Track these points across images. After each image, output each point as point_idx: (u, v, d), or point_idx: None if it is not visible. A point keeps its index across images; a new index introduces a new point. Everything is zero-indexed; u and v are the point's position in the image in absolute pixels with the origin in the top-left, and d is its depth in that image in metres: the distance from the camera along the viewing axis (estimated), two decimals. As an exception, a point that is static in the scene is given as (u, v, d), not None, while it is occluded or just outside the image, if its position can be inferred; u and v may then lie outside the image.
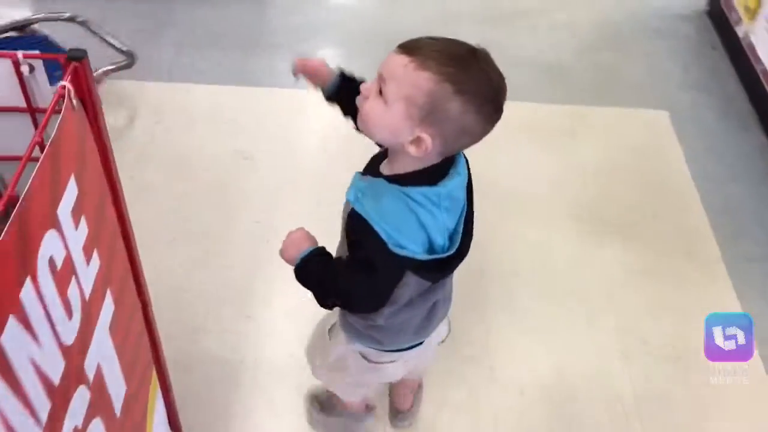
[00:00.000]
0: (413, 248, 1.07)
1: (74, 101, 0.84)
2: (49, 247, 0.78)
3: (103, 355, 0.97)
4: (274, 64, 2.81)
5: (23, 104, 0.92)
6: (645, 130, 2.71)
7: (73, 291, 0.85)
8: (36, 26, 2.46)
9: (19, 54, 0.87)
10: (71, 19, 2.51)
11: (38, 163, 0.74)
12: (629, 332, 2.00)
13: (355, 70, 1.27)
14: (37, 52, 0.87)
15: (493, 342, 1.96)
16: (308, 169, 2.37)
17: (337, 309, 1.37)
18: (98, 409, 0.94)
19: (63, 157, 0.81)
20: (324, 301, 1.20)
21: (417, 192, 1.07)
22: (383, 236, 1.05)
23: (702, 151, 2.59)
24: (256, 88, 2.69)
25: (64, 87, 0.83)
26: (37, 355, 0.76)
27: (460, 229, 1.14)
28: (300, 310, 1.77)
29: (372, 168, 1.17)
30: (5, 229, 0.67)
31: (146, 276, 1.96)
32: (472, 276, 2.11)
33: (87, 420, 0.90)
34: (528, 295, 2.09)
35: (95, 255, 0.93)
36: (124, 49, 2.43)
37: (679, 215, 2.35)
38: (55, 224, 0.80)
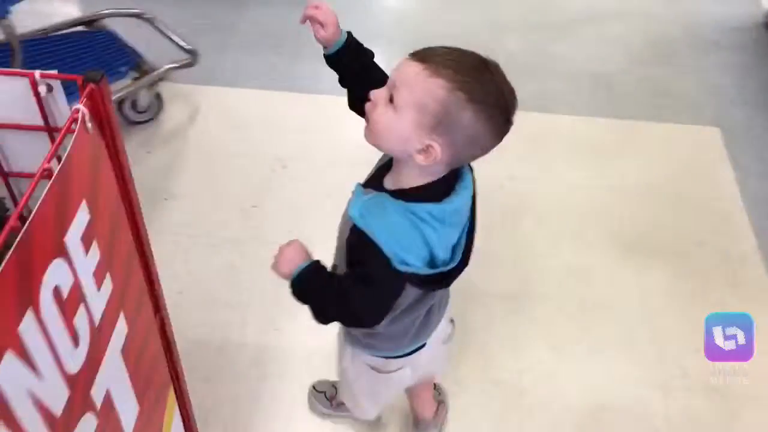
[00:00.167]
0: (417, 265, 1.06)
1: (88, 124, 0.82)
2: (55, 276, 0.76)
3: (113, 379, 0.96)
4: (318, 69, 2.77)
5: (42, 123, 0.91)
6: (694, 148, 2.61)
7: (81, 318, 0.83)
8: (104, 21, 2.55)
9: (37, 74, 0.85)
10: (138, 16, 2.58)
11: (43, 193, 0.72)
12: (669, 363, 1.91)
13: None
14: (55, 71, 0.85)
15: (525, 365, 1.90)
16: (345, 180, 2.33)
17: (339, 333, 1.39)
18: (106, 435, 0.93)
19: (73, 182, 0.79)
20: (321, 317, 1.17)
21: (422, 209, 1.05)
22: (388, 254, 1.03)
23: (754, 172, 2.48)
24: (301, 94, 2.68)
25: (78, 110, 0.81)
26: (36, 387, 0.74)
27: (463, 242, 1.13)
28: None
29: (375, 181, 1.15)
30: (3, 262, 0.65)
31: (177, 283, 2.00)
32: (506, 296, 2.05)
33: (93, 447, 0.89)
34: (563, 319, 2.02)
35: (108, 279, 0.91)
36: (188, 47, 2.48)
37: (726, 240, 2.25)
38: (63, 252, 0.78)
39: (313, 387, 1.75)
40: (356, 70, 1.21)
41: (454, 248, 1.12)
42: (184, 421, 1.40)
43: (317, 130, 2.53)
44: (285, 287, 1.16)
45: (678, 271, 2.14)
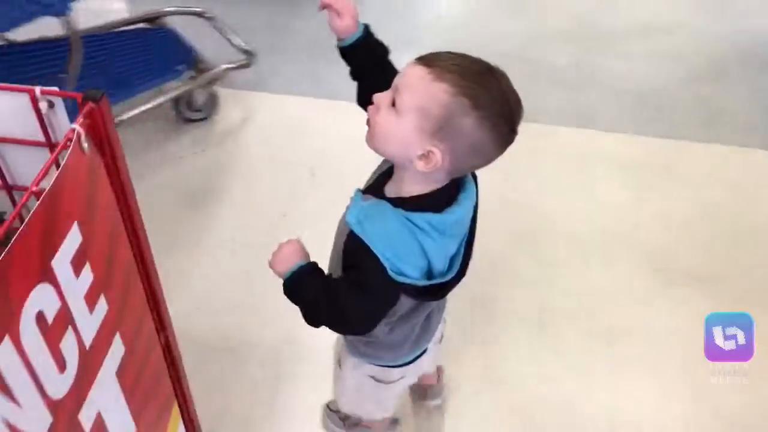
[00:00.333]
0: (413, 275, 1.04)
1: (84, 144, 0.80)
2: (38, 301, 0.74)
3: (105, 401, 0.94)
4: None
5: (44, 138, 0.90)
6: (744, 171, 2.49)
7: (68, 342, 0.82)
8: (166, 19, 2.61)
9: (37, 90, 0.84)
10: (200, 15, 2.62)
11: (26, 219, 0.70)
12: (701, 401, 1.82)
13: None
14: (56, 88, 0.83)
15: (543, 389, 1.84)
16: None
17: (340, 340, 1.37)
18: (94, 459, 0.91)
19: (63, 204, 0.77)
20: (311, 319, 1.14)
21: (422, 219, 1.02)
22: (384, 263, 1.01)
23: (807, 200, 2.36)
24: (338, 101, 2.65)
25: (74, 130, 0.79)
26: (13, 415, 0.72)
27: (461, 253, 1.11)
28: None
29: (375, 187, 1.12)
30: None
31: (200, 286, 1.99)
32: (528, 315, 1.99)
33: (79, 471, 0.87)
34: (585, 341, 1.94)
35: (102, 301, 0.89)
36: (245, 48, 2.49)
37: (770, 271, 2.14)
38: (48, 277, 0.76)
39: (327, 406, 1.72)
40: (370, 66, 1.19)
41: (452, 259, 1.09)
42: (189, 437, 1.38)
43: (349, 139, 2.49)
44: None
45: (717, 300, 2.03)
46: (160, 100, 2.35)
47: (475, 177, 1.14)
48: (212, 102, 2.52)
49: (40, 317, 0.75)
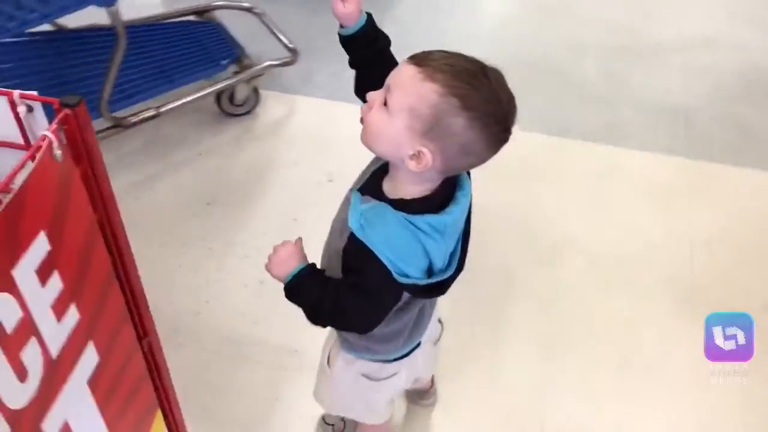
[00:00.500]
0: (416, 276, 1.05)
1: (57, 152, 0.79)
2: (-4, 311, 0.73)
3: (75, 410, 0.93)
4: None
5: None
6: (777, 198, 2.39)
7: (30, 352, 0.80)
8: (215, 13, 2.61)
9: (15, 94, 0.82)
10: (249, 10, 2.64)
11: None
12: (712, 435, 1.75)
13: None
14: (34, 93, 0.82)
15: (549, 416, 1.78)
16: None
17: (330, 341, 1.36)
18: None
19: (27, 213, 0.75)
20: (314, 320, 1.15)
21: (423, 222, 1.03)
22: (388, 266, 1.02)
23: (842, 232, 2.25)
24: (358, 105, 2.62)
25: (45, 137, 0.77)
26: (-37, 427, 0.71)
27: (459, 249, 1.12)
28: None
29: (372, 186, 1.11)
30: None
31: (206, 291, 1.98)
32: (541, 340, 1.93)
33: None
34: (599, 372, 1.87)
35: (73, 309, 0.88)
36: (290, 46, 2.50)
37: (799, 306, 2.04)
38: (8, 286, 0.74)
39: (323, 419, 1.70)
40: (370, 56, 1.18)
41: (450, 255, 1.10)
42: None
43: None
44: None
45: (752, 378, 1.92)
46: (202, 93, 2.37)
47: (469, 173, 1.13)
48: (254, 97, 2.53)
49: (-1, 328, 0.74)
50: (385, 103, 1.02)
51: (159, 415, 1.25)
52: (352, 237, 1.03)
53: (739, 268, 2.13)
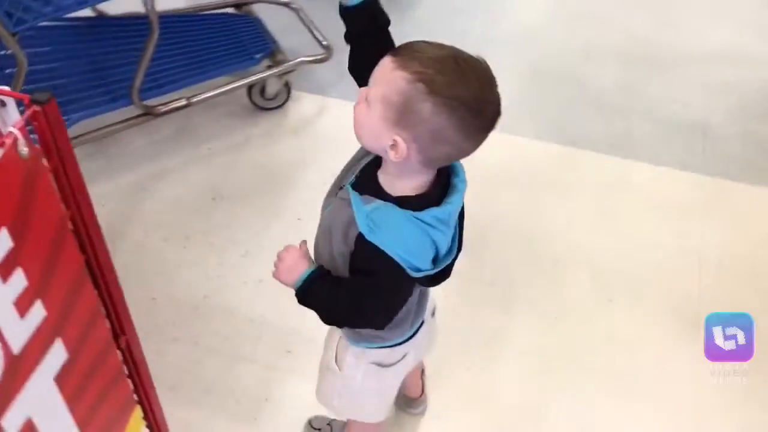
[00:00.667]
0: (426, 267, 1.07)
1: (23, 150, 0.78)
2: (-50, 307, 0.73)
3: (39, 407, 0.92)
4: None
5: None
6: (792, 220, 2.33)
7: (-11, 348, 0.80)
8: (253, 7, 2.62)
9: (-14, 89, 0.82)
10: (287, 5, 2.66)
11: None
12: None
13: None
14: (6, 88, 0.82)
15: (543, 427, 1.75)
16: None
17: (331, 343, 1.34)
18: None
19: (-12, 210, 0.75)
20: (329, 321, 1.19)
21: (429, 216, 1.05)
22: (402, 264, 1.04)
23: None
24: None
25: (10, 133, 0.77)
26: None
27: (457, 232, 1.14)
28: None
29: (368, 183, 1.10)
30: None
31: (205, 287, 1.98)
32: (540, 356, 1.90)
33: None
34: (597, 392, 1.84)
35: (39, 306, 0.87)
36: (324, 43, 2.50)
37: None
38: (-36, 282, 0.74)
39: (309, 423, 1.69)
40: (368, 32, 1.16)
41: (451, 239, 1.12)
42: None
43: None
44: (307, 309, 1.13)
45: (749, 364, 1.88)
46: (234, 85, 2.38)
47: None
48: (286, 92, 2.53)
49: (-47, 323, 0.73)
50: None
51: (137, 413, 1.25)
52: (362, 240, 1.04)
53: (748, 292, 2.07)
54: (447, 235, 1.08)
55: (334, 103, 2.58)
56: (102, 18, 2.45)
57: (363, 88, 1.06)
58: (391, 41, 1.16)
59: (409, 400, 1.74)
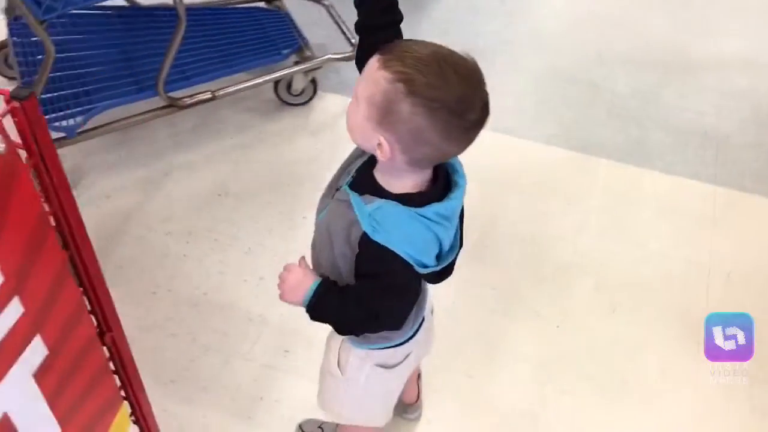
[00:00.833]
0: (432, 264, 1.08)
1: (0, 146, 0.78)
2: None
3: (16, 403, 0.92)
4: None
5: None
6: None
7: (-38, 344, 0.80)
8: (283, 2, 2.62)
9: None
10: (317, 1, 2.66)
11: None
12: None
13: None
14: None
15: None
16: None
17: (333, 346, 1.32)
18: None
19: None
20: (343, 331, 1.19)
21: (432, 212, 1.05)
22: (409, 261, 1.04)
23: None
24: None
25: (-12, 130, 0.76)
26: None
27: (459, 226, 1.14)
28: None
29: (366, 183, 1.09)
30: None
31: (205, 283, 1.98)
32: (540, 362, 1.88)
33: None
34: (596, 399, 1.81)
35: (16, 303, 0.87)
36: (353, 41, 2.50)
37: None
38: (-65, 278, 0.74)
39: (300, 427, 1.68)
40: (380, 24, 1.13)
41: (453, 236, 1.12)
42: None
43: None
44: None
45: (754, 375, 1.84)
46: (260, 80, 2.38)
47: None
48: (312, 88, 2.52)
49: None
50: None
51: (123, 409, 1.24)
52: (366, 240, 1.03)
53: (757, 307, 2.02)
54: (450, 231, 1.09)
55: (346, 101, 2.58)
56: (132, 8, 2.46)
57: (354, 86, 1.05)
58: (400, 38, 1.13)
59: (404, 405, 1.72)
